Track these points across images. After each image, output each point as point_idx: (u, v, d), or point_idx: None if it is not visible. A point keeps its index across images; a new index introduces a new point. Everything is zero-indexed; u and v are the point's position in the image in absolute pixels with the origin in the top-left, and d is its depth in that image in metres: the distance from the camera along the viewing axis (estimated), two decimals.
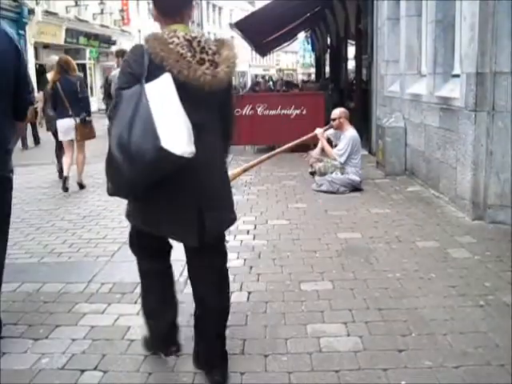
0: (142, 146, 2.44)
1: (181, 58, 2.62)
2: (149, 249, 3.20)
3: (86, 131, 8.52)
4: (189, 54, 2.65)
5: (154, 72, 2.56)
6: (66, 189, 8.30)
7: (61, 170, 9.28)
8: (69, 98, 8.26)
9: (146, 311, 3.22)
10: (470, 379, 2.94)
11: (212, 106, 2.81)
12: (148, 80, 2.54)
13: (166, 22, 2.83)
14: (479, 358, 3.14)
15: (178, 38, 2.68)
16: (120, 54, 9.55)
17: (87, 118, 8.51)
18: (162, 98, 2.51)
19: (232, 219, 3.00)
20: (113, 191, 2.86)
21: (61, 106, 8.34)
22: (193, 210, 2.76)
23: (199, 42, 2.74)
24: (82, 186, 8.59)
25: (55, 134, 9.15)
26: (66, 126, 8.43)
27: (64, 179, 8.42)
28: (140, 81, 2.55)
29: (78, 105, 8.37)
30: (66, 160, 8.69)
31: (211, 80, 2.66)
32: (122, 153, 2.51)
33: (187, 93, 2.57)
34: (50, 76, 9.08)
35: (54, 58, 9.42)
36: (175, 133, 2.47)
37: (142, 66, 2.59)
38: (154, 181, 2.63)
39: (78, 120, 8.37)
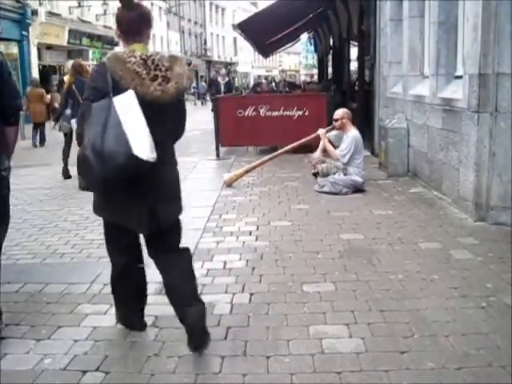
0: (114, 151, 2.89)
1: (136, 75, 3.05)
2: (121, 244, 3.55)
3: None
4: (144, 72, 3.08)
5: (115, 88, 3.01)
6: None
7: (66, 170, 9.57)
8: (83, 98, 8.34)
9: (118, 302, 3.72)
10: (472, 381, 2.94)
11: (165, 114, 3.21)
12: (114, 93, 2.99)
13: (127, 42, 3.26)
14: (481, 359, 3.14)
15: (135, 57, 3.10)
16: None
17: None
18: (127, 110, 2.96)
19: (180, 210, 3.64)
20: (84, 186, 3.28)
21: (76, 106, 8.64)
22: (146, 204, 3.24)
23: (153, 60, 3.14)
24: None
25: (66, 135, 9.65)
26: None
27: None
28: (105, 95, 3.00)
29: None
30: None
31: (161, 95, 3.08)
32: (96, 156, 2.93)
33: (145, 105, 3.00)
34: (66, 79, 9.67)
35: (71, 62, 10.16)
36: (141, 141, 2.94)
37: (105, 82, 3.03)
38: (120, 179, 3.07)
39: None
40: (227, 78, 21.82)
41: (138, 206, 3.23)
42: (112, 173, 2.96)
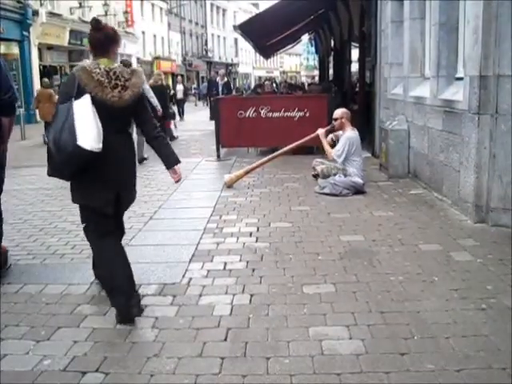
0: (66, 141, 3.59)
1: (98, 84, 3.75)
2: (99, 227, 4.05)
3: None
4: (106, 81, 3.78)
5: (80, 93, 3.69)
6: None
7: None
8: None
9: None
10: (472, 382, 2.94)
11: (124, 116, 3.96)
12: (76, 98, 3.67)
13: (95, 56, 3.95)
14: (481, 361, 3.14)
15: (100, 69, 3.80)
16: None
17: None
18: (82, 110, 3.64)
19: (135, 196, 4.32)
20: (49, 172, 3.92)
21: None
22: (112, 191, 3.97)
23: (115, 72, 3.85)
24: None
25: None
26: None
27: None
28: (70, 99, 3.68)
29: None
30: None
31: (118, 100, 3.82)
32: (54, 146, 3.67)
33: (105, 108, 3.75)
34: None
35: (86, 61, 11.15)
36: (88, 135, 3.60)
37: (73, 89, 3.71)
38: (79, 168, 3.75)
39: None
40: (226, 79, 20.83)
41: (107, 192, 3.95)
42: (64, 160, 3.67)
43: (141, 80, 4.02)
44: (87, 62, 3.88)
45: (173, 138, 15.62)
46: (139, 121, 4.17)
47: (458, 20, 7.03)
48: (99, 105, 3.73)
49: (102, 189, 3.91)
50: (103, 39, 3.94)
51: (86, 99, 3.69)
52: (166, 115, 14.04)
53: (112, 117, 3.80)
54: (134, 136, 11.09)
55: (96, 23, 3.97)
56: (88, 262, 5.15)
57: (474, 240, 5.42)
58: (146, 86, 11.34)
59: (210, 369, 3.16)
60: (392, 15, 9.70)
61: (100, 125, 3.70)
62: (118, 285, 3.92)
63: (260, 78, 63.48)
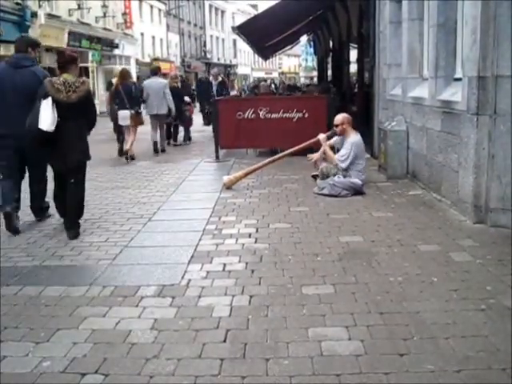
0: (33, 125, 5.69)
1: (57, 90, 5.86)
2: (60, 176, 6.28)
3: (137, 119, 12.46)
4: (62, 88, 5.88)
5: (46, 95, 5.80)
6: (127, 159, 11.94)
7: (121, 149, 12.78)
8: (126, 96, 12.18)
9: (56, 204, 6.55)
10: (472, 383, 2.94)
11: (74, 110, 5.95)
12: (44, 98, 5.79)
13: (61, 72, 6.11)
14: (480, 362, 3.14)
15: (59, 81, 5.93)
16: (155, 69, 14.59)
17: (138, 110, 12.51)
18: (45, 106, 5.74)
19: (81, 159, 6.23)
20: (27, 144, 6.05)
21: (121, 102, 12.23)
22: (64, 154, 6.01)
23: (69, 82, 5.93)
24: (133, 158, 12.10)
25: (116, 122, 13.14)
26: (125, 115, 12.20)
27: (126, 152, 12.11)
28: (40, 99, 5.80)
29: (132, 101, 12.23)
30: (127, 139, 12.47)
31: (67, 100, 5.89)
32: (28, 127, 5.75)
33: (61, 105, 5.83)
34: (114, 81, 13.80)
35: (118, 68, 14.69)
36: (45, 121, 5.70)
37: (42, 92, 5.85)
38: (46, 140, 5.81)
39: (132, 111, 12.18)
40: (220, 78, 18.75)
41: (61, 154, 6.02)
42: (33, 136, 5.78)
43: (86, 87, 6.13)
44: (54, 78, 6.03)
45: (189, 139, 15.91)
46: (84, 112, 6.15)
47: (456, 21, 7.03)
48: (57, 103, 5.84)
49: (57, 153, 6.02)
50: (65, 61, 6.20)
51: (49, 99, 5.82)
52: (179, 118, 14.66)
53: (65, 110, 5.87)
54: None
55: (58, 53, 6.82)
56: (87, 263, 5.20)
57: (473, 240, 5.42)
58: (167, 90, 13.33)
59: (210, 370, 3.16)
60: (390, 16, 9.71)
61: (56, 115, 5.81)
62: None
63: (258, 79, 63.38)
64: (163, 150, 13.45)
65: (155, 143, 13.28)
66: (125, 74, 12.78)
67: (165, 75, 17.17)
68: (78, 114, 6.03)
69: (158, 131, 13.51)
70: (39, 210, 6.85)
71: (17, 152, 6.34)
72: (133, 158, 12.05)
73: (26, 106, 5.99)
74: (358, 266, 4.78)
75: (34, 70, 6.48)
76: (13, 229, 6.20)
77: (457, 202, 6.45)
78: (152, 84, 13.39)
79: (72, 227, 6.11)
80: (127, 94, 12.17)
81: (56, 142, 5.87)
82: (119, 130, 13.02)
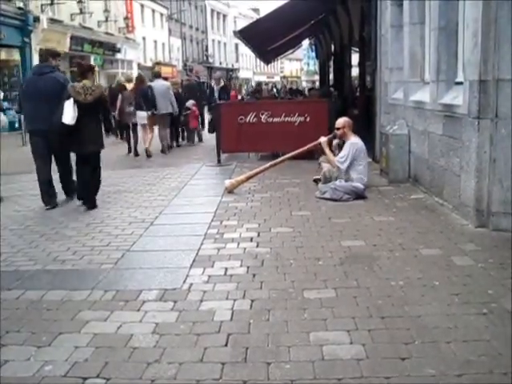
0: (59, 119, 7.30)
1: (78, 93, 7.41)
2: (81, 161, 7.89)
3: (152, 119, 13.80)
4: (82, 91, 7.43)
5: (69, 97, 7.37)
6: (148, 156, 13.32)
7: (130, 149, 14.26)
8: (143, 99, 13.54)
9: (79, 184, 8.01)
10: None
11: (90, 108, 7.50)
12: (67, 99, 7.37)
13: (81, 78, 7.66)
14: (482, 366, 3.13)
15: (80, 85, 7.51)
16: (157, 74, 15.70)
17: (154, 112, 13.65)
18: (67, 105, 7.33)
19: (95, 149, 7.85)
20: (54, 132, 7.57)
21: (138, 104, 13.73)
22: (82, 143, 7.55)
23: (87, 87, 7.49)
24: (149, 155, 13.32)
25: (127, 125, 14.50)
26: (142, 115, 13.65)
27: (145, 150, 13.47)
28: (65, 99, 7.37)
29: (148, 103, 13.50)
30: (143, 137, 13.98)
31: (85, 100, 7.42)
32: (54, 121, 7.33)
33: (80, 104, 7.38)
34: (129, 85, 15.69)
35: (136, 73, 15.82)
36: (67, 117, 7.31)
37: (66, 95, 7.40)
38: (68, 131, 7.37)
39: (149, 112, 13.53)
40: (223, 82, 18.30)
41: (80, 143, 7.60)
42: (58, 128, 7.39)
43: (100, 90, 7.88)
44: (76, 83, 7.69)
45: (200, 139, 16.55)
46: (98, 110, 7.86)
47: (457, 24, 7.04)
48: (78, 103, 7.43)
49: (77, 142, 7.59)
50: (83, 71, 7.90)
51: (71, 100, 7.42)
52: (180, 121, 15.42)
53: (84, 108, 7.45)
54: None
55: (78, 64, 8.66)
56: (89, 267, 5.20)
57: (475, 244, 5.41)
58: (171, 91, 14.26)
59: (211, 374, 3.17)
60: (392, 20, 9.72)
61: (76, 113, 7.39)
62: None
63: (260, 83, 63.45)
64: (163, 151, 14.09)
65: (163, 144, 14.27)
66: (142, 79, 14.53)
67: (166, 79, 17.05)
68: (93, 112, 7.68)
69: (168, 130, 14.57)
70: (67, 189, 8.35)
71: (45, 144, 7.83)
72: (150, 156, 13.34)
73: (48, 106, 7.46)
74: (360, 270, 4.78)
75: (54, 76, 7.90)
76: (51, 204, 7.86)
77: (458, 205, 6.45)
78: (157, 86, 14.13)
79: (91, 200, 7.71)
80: (143, 97, 13.52)
81: (76, 133, 7.45)
82: (133, 131, 14.25)
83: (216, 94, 16.62)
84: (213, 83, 17.92)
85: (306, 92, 24.35)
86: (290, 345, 3.47)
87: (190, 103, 15.72)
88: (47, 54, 8.23)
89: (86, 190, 7.80)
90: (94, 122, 7.77)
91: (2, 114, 8.93)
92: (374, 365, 3.19)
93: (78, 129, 7.40)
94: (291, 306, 4.09)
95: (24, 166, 10.40)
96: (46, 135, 7.65)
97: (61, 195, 8.26)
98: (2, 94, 22.46)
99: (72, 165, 8.24)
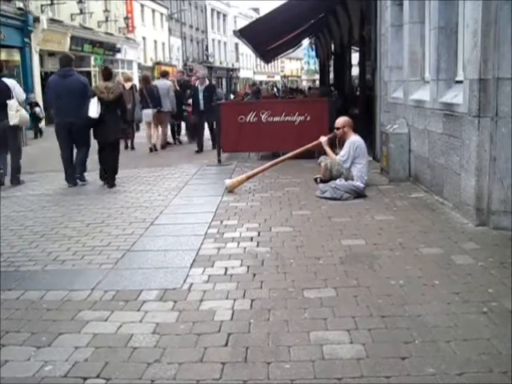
0: (86, 114, 9.11)
1: (101, 92, 9.23)
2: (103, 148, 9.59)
3: (159, 117, 14.88)
4: (104, 91, 9.27)
5: (94, 95, 9.18)
6: (153, 150, 14.66)
7: (126, 145, 15.26)
8: (150, 97, 14.60)
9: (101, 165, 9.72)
10: None
11: (111, 104, 9.33)
12: (92, 97, 9.18)
13: (104, 80, 9.72)
14: (482, 365, 3.13)
15: (102, 85, 9.45)
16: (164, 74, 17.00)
17: (160, 109, 14.72)
18: (92, 102, 9.12)
19: (116, 137, 9.68)
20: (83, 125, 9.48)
21: (145, 102, 14.68)
22: (104, 133, 9.32)
23: (108, 87, 9.37)
24: (156, 149, 14.77)
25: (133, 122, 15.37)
26: (147, 113, 14.67)
27: (153, 145, 14.72)
28: (90, 98, 9.20)
29: (155, 101, 14.60)
30: (148, 134, 14.89)
31: (107, 98, 9.24)
32: (82, 115, 9.18)
33: (103, 101, 9.20)
34: (127, 84, 15.55)
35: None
36: (92, 110, 9.07)
37: (91, 94, 9.26)
38: (93, 123, 9.25)
39: (155, 110, 14.60)
40: (207, 82, 15.42)
41: (103, 133, 9.32)
42: (85, 121, 9.20)
43: (118, 90, 9.75)
44: (101, 83, 9.80)
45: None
46: (117, 106, 9.54)
47: (457, 24, 7.04)
48: (101, 100, 9.13)
49: (100, 132, 9.35)
50: (105, 74, 9.85)
51: (95, 98, 9.11)
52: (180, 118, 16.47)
53: (106, 105, 9.19)
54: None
55: (105, 68, 10.43)
56: (89, 267, 5.20)
57: (475, 243, 5.41)
58: (171, 91, 15.30)
59: (211, 374, 3.16)
60: (392, 19, 9.71)
61: (99, 108, 9.10)
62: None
63: (260, 82, 63.38)
64: (163, 147, 15.35)
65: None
66: (147, 79, 15.70)
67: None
68: (113, 107, 9.43)
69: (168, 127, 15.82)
70: (81, 173, 9.86)
71: (68, 132, 9.53)
72: (156, 149, 14.78)
73: (73, 103, 9.24)
74: (360, 270, 4.78)
75: (77, 77, 9.82)
76: (71, 182, 9.64)
77: (459, 204, 6.44)
78: (160, 84, 15.37)
79: (112, 180, 9.42)
80: (150, 96, 14.60)
81: (100, 125, 9.17)
82: (132, 128, 15.40)
83: (200, 95, 14.32)
84: (197, 83, 15.14)
85: (307, 91, 24.37)
86: (291, 344, 3.46)
87: (190, 101, 15.75)
88: (68, 60, 9.92)
89: (109, 171, 9.45)
90: (114, 115, 9.45)
91: (23, 111, 9.34)
92: (374, 364, 3.18)
93: (101, 121, 9.11)
94: (291, 305, 4.08)
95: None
96: (71, 126, 9.41)
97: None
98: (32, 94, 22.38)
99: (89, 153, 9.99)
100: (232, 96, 29.62)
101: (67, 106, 9.31)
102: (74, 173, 9.66)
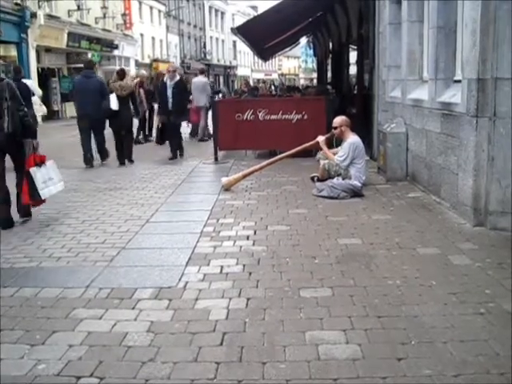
0: (108, 107, 11.19)
1: (116, 89, 11.53)
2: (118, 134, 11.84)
3: (198, 112, 16.37)
4: (119, 88, 11.55)
5: (111, 92, 11.45)
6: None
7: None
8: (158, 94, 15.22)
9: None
10: None
11: (124, 99, 11.60)
12: (111, 94, 11.44)
13: (119, 79, 11.90)
14: (479, 366, 3.11)
15: (118, 84, 11.69)
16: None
17: (197, 105, 15.99)
18: (112, 97, 11.35)
19: (129, 124, 11.99)
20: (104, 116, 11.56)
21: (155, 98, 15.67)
22: (120, 121, 11.55)
23: (123, 86, 11.65)
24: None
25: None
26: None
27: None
28: (109, 93, 11.41)
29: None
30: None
31: (121, 94, 11.52)
32: (105, 107, 11.25)
33: (119, 97, 11.46)
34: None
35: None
36: (113, 103, 11.29)
37: (110, 90, 11.54)
38: (113, 113, 11.32)
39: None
40: (178, 77, 12.79)
41: (119, 122, 11.53)
42: (107, 112, 11.20)
43: (131, 87, 11.97)
44: (118, 81, 11.82)
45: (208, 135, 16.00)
46: (130, 101, 11.74)
47: (456, 23, 7.01)
48: (117, 96, 11.32)
49: (116, 122, 11.45)
50: (120, 74, 12.11)
51: (113, 94, 11.30)
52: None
53: (121, 100, 11.35)
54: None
55: (121, 70, 12.72)
56: (84, 265, 5.16)
57: (473, 243, 5.39)
58: (208, 89, 16.71)
59: (206, 374, 3.14)
60: (390, 18, 9.69)
61: (117, 101, 11.25)
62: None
63: (248, 81, 63.29)
64: (204, 139, 16.09)
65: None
66: (158, 76, 16.74)
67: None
68: (126, 102, 11.57)
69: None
70: (101, 154, 11.71)
71: (88, 122, 11.19)
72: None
73: (93, 99, 10.93)
74: (357, 269, 4.75)
75: (97, 79, 11.83)
76: (89, 164, 11.28)
77: (456, 204, 6.43)
78: (196, 81, 16.81)
79: (129, 160, 11.68)
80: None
81: (116, 116, 11.24)
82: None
83: (169, 92, 12.27)
84: (165, 78, 12.74)
85: (303, 90, 24.32)
86: (286, 344, 3.44)
87: (191, 97, 15.99)
88: (91, 64, 12.36)
89: (126, 152, 11.69)
90: (127, 108, 11.62)
91: (43, 105, 11.98)
92: (370, 365, 3.16)
93: (118, 113, 11.26)
94: (287, 304, 4.06)
95: None
96: (90, 118, 11.09)
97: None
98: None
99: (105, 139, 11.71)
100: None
101: (88, 102, 11.02)
102: (91, 157, 11.40)
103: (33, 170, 6.60)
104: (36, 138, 6.81)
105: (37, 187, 6.59)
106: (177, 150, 12.42)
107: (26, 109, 6.71)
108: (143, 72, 19.14)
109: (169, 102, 12.31)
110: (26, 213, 6.86)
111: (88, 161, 11.31)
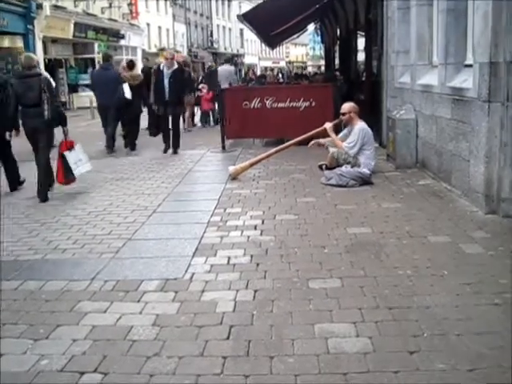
0: (122, 94, 11.79)
1: (128, 79, 12.36)
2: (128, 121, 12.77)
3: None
4: (131, 78, 12.55)
5: (124, 82, 12.13)
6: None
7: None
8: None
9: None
10: (485, 383, 2.82)
11: (135, 89, 12.32)
12: (124, 83, 12.10)
13: (129, 70, 13.14)
14: (494, 360, 3.01)
15: (129, 74, 12.80)
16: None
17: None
18: (125, 87, 11.96)
19: (138, 112, 13.02)
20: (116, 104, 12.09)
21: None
22: (131, 110, 12.25)
23: (134, 76, 12.83)
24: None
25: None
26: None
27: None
28: (122, 83, 12.09)
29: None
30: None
31: (133, 84, 12.36)
32: (121, 95, 11.88)
33: (130, 86, 12.16)
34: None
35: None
36: (127, 93, 11.87)
37: (123, 81, 12.17)
38: (128, 102, 12.01)
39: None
40: (176, 65, 11.75)
41: (131, 109, 12.22)
42: (123, 101, 11.73)
43: (141, 77, 12.93)
44: (128, 72, 12.96)
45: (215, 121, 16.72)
46: (141, 89, 12.51)
47: (466, 5, 6.86)
48: (129, 85, 11.99)
49: (129, 109, 12.03)
50: (130, 66, 13.23)
51: (126, 84, 11.95)
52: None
53: (133, 89, 12.05)
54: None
55: (130, 61, 13.69)
56: (89, 257, 5.10)
57: (485, 232, 5.28)
58: (234, 77, 17.79)
59: (212, 369, 3.07)
60: (399, 2, 9.51)
61: (129, 91, 11.82)
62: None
63: (265, 68, 63.01)
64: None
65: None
66: (187, 63, 16.84)
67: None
68: (137, 91, 12.20)
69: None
70: (130, 144, 12.41)
71: (105, 111, 11.99)
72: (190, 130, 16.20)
73: (109, 90, 11.56)
74: (366, 259, 4.66)
75: (113, 71, 12.40)
76: (110, 152, 11.71)
77: (467, 191, 6.30)
78: (221, 69, 17.57)
79: (132, 148, 12.17)
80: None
81: (131, 104, 11.86)
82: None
83: (166, 81, 11.33)
84: (162, 65, 11.68)
85: (311, 77, 24.13)
86: (294, 337, 3.36)
87: (201, 85, 16.76)
88: (108, 57, 12.88)
89: (130, 139, 12.38)
90: (138, 97, 12.34)
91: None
92: (381, 359, 3.07)
93: (130, 103, 11.91)
94: (296, 296, 3.97)
95: (26, 153, 10.29)
96: (108, 106, 11.84)
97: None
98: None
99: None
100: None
101: (104, 92, 11.80)
102: (113, 145, 11.96)
103: (66, 154, 7.70)
104: (66, 126, 7.86)
105: (71, 168, 7.69)
106: (177, 143, 11.58)
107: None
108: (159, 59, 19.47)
109: (165, 92, 11.28)
110: (44, 197, 7.45)
111: (108, 148, 11.87)
